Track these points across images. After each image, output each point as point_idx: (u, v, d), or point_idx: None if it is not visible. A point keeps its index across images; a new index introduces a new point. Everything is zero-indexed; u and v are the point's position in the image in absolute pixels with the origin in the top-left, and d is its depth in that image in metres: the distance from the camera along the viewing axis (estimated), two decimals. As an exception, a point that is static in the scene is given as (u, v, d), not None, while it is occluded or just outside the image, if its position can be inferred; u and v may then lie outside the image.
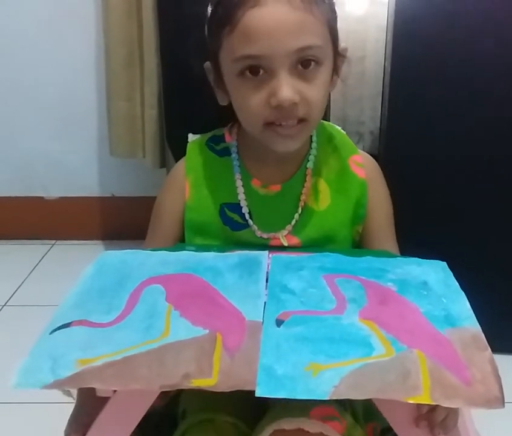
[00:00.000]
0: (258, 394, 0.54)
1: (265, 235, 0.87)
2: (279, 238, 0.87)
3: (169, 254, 0.78)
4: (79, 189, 2.01)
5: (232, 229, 0.88)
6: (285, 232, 0.87)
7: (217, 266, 0.74)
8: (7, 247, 1.98)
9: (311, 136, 0.90)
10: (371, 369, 0.56)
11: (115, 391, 0.62)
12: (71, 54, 1.88)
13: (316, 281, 0.71)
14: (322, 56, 0.79)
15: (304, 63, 0.77)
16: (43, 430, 1.07)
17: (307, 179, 0.89)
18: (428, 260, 0.76)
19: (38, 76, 1.90)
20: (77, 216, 2.01)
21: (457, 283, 0.71)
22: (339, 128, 0.95)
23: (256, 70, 0.77)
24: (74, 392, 0.75)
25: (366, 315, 0.64)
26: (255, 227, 0.87)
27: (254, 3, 0.75)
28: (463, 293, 0.69)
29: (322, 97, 0.81)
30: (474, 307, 0.66)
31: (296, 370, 0.56)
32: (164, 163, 1.75)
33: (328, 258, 0.77)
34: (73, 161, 1.98)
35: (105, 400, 0.63)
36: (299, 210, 0.88)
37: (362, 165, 0.90)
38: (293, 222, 0.87)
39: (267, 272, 0.73)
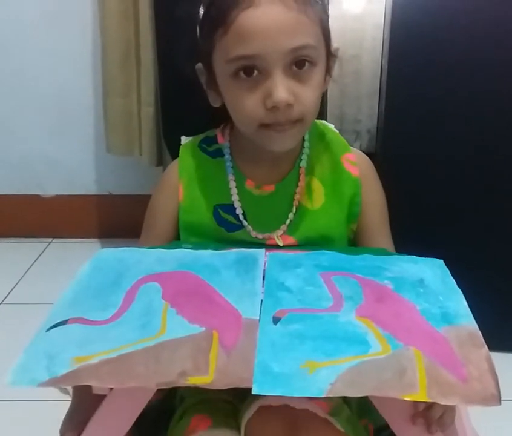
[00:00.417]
0: (254, 392, 0.54)
1: (260, 236, 0.87)
2: (274, 239, 0.87)
3: (165, 251, 0.78)
4: (76, 187, 2.01)
5: (226, 231, 0.88)
6: (280, 232, 0.87)
7: (214, 263, 0.74)
8: (4, 245, 1.98)
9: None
10: (367, 366, 0.56)
11: (111, 389, 0.62)
12: (67, 52, 1.87)
13: (313, 279, 0.71)
14: (316, 56, 0.79)
15: (298, 64, 0.77)
16: (39, 428, 1.07)
17: (300, 178, 0.89)
18: (425, 258, 0.76)
19: (35, 75, 1.90)
20: (74, 214, 2.01)
21: (453, 281, 0.71)
22: (332, 126, 0.95)
23: (250, 71, 0.77)
24: (71, 389, 0.75)
25: (363, 312, 0.64)
26: (249, 228, 0.87)
27: (248, 4, 0.75)
28: (460, 291, 0.69)
29: (317, 98, 0.81)
30: (471, 305, 0.67)
31: (293, 367, 0.56)
32: (161, 161, 1.75)
33: (325, 256, 0.77)
34: (70, 159, 1.98)
35: (101, 398, 0.63)
36: (294, 209, 0.88)
37: (356, 163, 0.91)
38: (288, 222, 0.87)
39: (264, 270, 0.73)
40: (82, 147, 1.97)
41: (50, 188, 2.01)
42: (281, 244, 0.86)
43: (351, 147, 0.93)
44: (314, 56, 0.78)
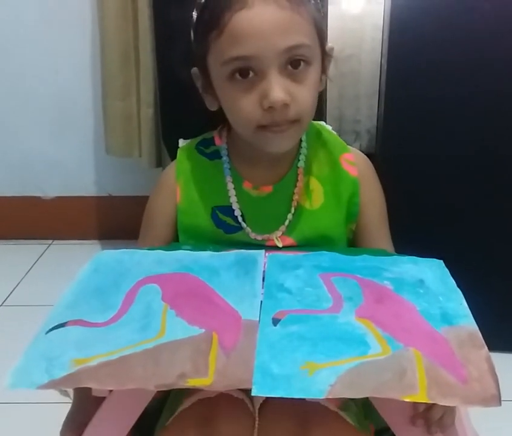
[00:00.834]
0: (254, 393, 0.54)
1: (259, 237, 0.87)
2: (273, 240, 0.87)
3: (165, 253, 0.78)
4: (76, 189, 2.01)
5: (225, 232, 0.88)
6: (279, 233, 0.87)
7: (213, 265, 0.74)
8: (4, 247, 1.98)
9: None
10: (367, 367, 0.56)
11: (111, 391, 0.62)
12: (66, 54, 1.87)
13: (312, 280, 0.71)
14: (311, 55, 0.79)
15: (293, 64, 0.77)
16: (39, 430, 1.07)
17: (299, 179, 0.89)
18: (424, 259, 0.76)
19: (34, 76, 1.90)
20: (73, 216, 2.01)
21: (453, 281, 0.71)
22: (329, 127, 0.95)
23: (245, 72, 0.77)
24: (71, 391, 0.75)
25: (362, 313, 0.64)
26: (248, 229, 0.87)
27: (241, 6, 0.75)
28: (459, 291, 0.69)
29: (313, 97, 0.81)
30: (471, 305, 0.66)
31: (293, 369, 0.56)
32: (160, 163, 1.75)
33: (325, 257, 0.77)
34: (69, 160, 1.98)
35: (101, 400, 0.63)
36: (292, 210, 0.88)
37: (354, 163, 0.90)
38: (287, 222, 0.87)
39: (264, 271, 0.73)
40: (82, 148, 1.97)
41: (50, 190, 2.01)
42: (280, 245, 0.86)
43: (349, 147, 0.93)
44: (309, 55, 0.78)
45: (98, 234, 2.02)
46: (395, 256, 0.81)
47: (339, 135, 0.95)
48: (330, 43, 0.86)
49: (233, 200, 0.88)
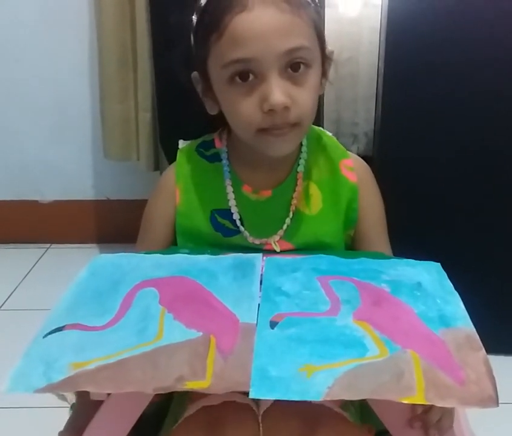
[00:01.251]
0: (251, 396, 0.54)
1: (257, 241, 0.87)
2: (271, 244, 0.87)
3: (162, 256, 0.78)
4: (74, 193, 2.00)
5: (223, 236, 0.88)
6: (277, 237, 0.87)
7: (211, 268, 0.74)
8: (2, 251, 1.97)
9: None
10: (365, 369, 0.56)
11: (109, 394, 0.62)
12: (64, 58, 1.87)
13: (310, 283, 0.71)
14: (311, 58, 0.79)
15: (293, 67, 0.77)
16: (37, 435, 1.06)
17: (298, 183, 0.88)
18: (422, 261, 0.76)
19: (32, 80, 1.90)
20: (71, 219, 2.01)
21: (451, 284, 0.71)
22: (329, 133, 0.95)
23: (245, 75, 0.77)
24: (68, 395, 0.75)
25: (360, 316, 0.64)
26: (246, 233, 0.87)
27: (241, 9, 0.75)
28: (457, 294, 0.69)
29: (313, 100, 0.81)
30: (468, 308, 0.67)
31: (290, 371, 0.56)
32: (158, 166, 1.75)
33: (322, 260, 0.77)
34: (68, 164, 1.98)
35: (100, 404, 0.63)
36: (291, 215, 0.87)
37: (353, 169, 0.90)
38: (285, 227, 0.87)
39: (261, 274, 0.73)
40: (80, 152, 1.96)
41: (48, 194, 2.01)
42: (277, 249, 0.86)
43: (349, 152, 0.93)
44: (309, 58, 0.78)
45: (97, 237, 2.02)
46: (392, 259, 0.81)
47: (337, 138, 0.95)
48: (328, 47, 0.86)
49: (232, 203, 0.88)
